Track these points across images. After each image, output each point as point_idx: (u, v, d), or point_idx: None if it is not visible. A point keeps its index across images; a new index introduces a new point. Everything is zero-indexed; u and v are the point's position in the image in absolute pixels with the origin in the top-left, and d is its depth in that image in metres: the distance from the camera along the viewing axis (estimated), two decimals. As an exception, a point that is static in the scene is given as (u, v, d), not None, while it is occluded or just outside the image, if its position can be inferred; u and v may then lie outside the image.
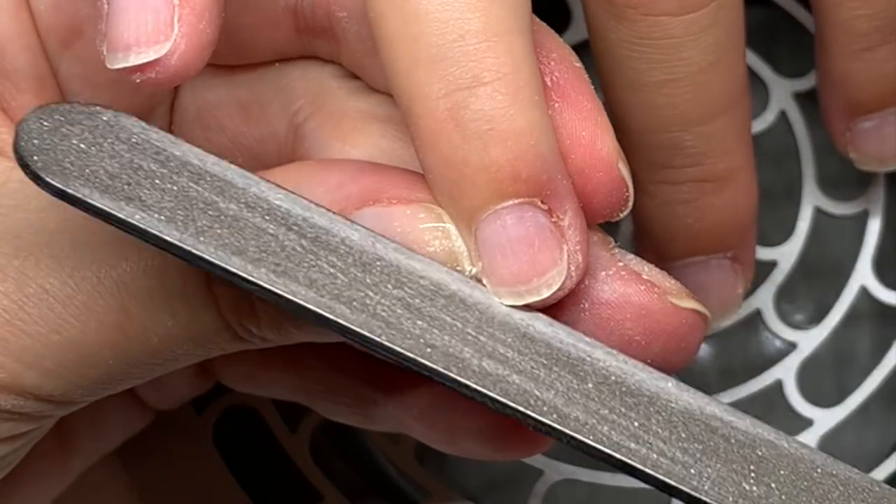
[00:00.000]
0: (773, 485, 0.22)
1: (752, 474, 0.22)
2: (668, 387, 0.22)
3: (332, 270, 0.21)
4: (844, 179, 0.35)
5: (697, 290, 0.30)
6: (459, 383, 0.22)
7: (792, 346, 0.35)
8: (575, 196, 0.23)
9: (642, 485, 0.34)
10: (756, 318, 0.35)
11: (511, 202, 0.22)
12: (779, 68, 0.36)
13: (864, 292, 0.35)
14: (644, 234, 0.31)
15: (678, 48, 0.28)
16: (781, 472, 0.22)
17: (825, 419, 0.34)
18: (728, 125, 0.29)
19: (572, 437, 0.22)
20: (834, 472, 0.23)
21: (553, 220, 0.22)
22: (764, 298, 0.35)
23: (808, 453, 0.23)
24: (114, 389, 0.24)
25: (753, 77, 0.36)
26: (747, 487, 0.22)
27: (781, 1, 0.36)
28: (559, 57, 0.24)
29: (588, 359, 0.22)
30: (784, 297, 0.35)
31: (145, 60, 0.22)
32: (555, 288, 0.22)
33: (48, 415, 0.24)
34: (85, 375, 0.24)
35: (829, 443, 0.34)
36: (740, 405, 0.35)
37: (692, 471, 0.22)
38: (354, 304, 0.21)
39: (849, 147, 0.33)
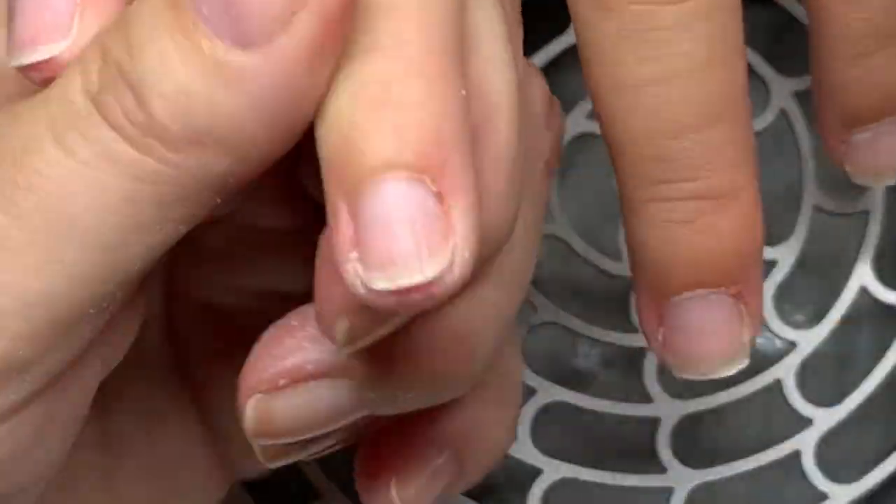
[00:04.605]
0: None
1: None
2: None
3: None
4: (844, 179, 0.35)
5: (696, 333, 0.28)
6: None
7: (792, 346, 0.35)
8: (476, 190, 0.21)
9: (643, 484, 0.35)
10: (756, 317, 0.35)
11: (397, 174, 0.20)
12: (779, 68, 0.36)
13: (864, 292, 0.35)
14: (640, 264, 0.28)
15: (669, 41, 0.26)
16: None
17: (825, 418, 0.34)
18: (728, 135, 0.27)
19: None
20: None
21: (443, 206, 0.20)
22: (764, 298, 0.35)
23: None
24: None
25: (753, 76, 0.36)
26: None
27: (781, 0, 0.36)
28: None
29: None
30: (784, 296, 0.35)
31: (39, 59, 0.22)
32: (430, 275, 0.20)
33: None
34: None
35: (829, 442, 0.34)
36: (740, 404, 0.35)
37: None
38: None
39: (844, 160, 0.31)
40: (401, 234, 0.20)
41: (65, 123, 0.21)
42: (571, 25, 0.35)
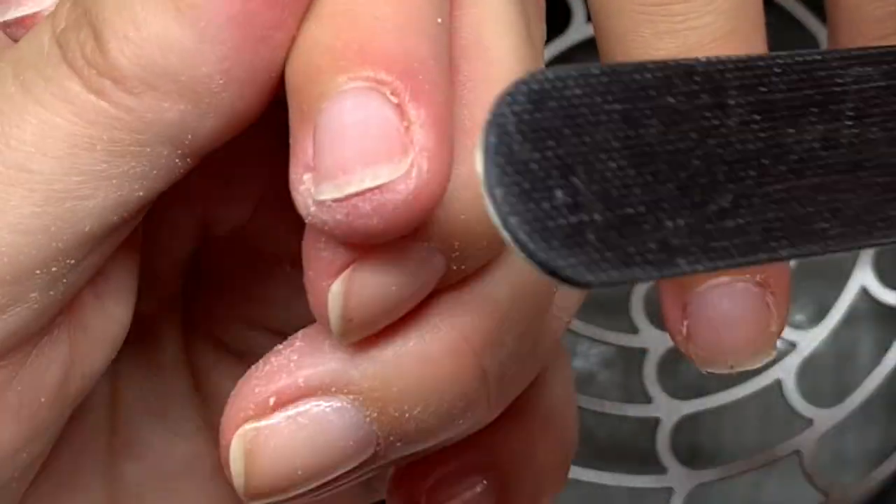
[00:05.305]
0: None
1: None
2: None
3: None
4: (844, 179, 0.35)
5: (723, 324, 0.27)
6: None
7: (792, 346, 0.35)
8: (445, 105, 0.20)
9: (643, 485, 0.35)
10: (756, 317, 0.35)
11: (354, 85, 0.19)
12: (779, 68, 0.36)
13: (864, 292, 0.35)
14: None
15: (688, 14, 0.25)
16: None
17: (825, 419, 0.35)
18: None
19: None
20: None
21: (403, 119, 0.19)
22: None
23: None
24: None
25: (753, 76, 0.36)
26: None
27: (782, 0, 0.36)
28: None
29: None
30: (784, 296, 0.35)
31: (23, 14, 0.22)
32: (380, 180, 0.19)
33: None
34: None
35: (829, 442, 0.34)
36: (740, 404, 0.35)
37: None
38: None
39: None
40: (351, 138, 0.19)
41: (28, 62, 0.21)
42: (572, 25, 0.36)
